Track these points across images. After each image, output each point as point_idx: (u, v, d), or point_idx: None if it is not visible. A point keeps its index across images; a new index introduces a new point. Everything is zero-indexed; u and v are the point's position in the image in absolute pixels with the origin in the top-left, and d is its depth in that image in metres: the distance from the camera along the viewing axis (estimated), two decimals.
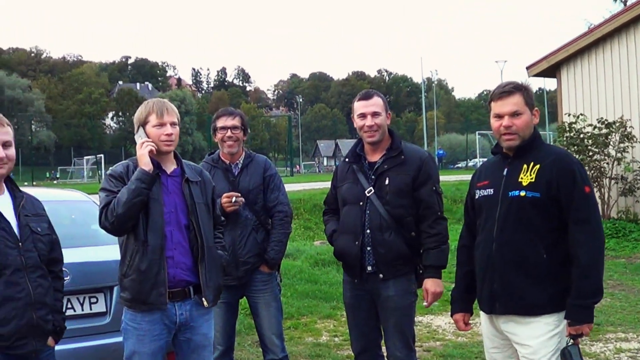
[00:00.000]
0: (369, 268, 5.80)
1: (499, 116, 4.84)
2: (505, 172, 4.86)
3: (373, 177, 5.85)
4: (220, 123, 6.57)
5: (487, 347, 5.12)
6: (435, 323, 10.14)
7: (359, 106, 5.91)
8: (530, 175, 4.71)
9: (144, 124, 5.11)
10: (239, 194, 6.39)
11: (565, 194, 4.63)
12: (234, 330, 6.82)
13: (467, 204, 5.29)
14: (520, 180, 4.74)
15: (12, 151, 4.58)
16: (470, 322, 5.33)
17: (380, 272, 5.77)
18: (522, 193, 4.70)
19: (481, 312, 5.06)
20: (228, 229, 6.35)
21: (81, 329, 6.28)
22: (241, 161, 6.64)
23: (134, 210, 4.88)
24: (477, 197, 5.04)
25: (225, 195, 6.34)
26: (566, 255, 4.64)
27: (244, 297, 6.71)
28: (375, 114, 5.83)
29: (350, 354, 8.55)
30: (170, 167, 5.22)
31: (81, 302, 6.47)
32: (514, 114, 4.78)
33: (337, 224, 6.11)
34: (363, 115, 5.85)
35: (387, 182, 5.77)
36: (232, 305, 6.66)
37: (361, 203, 5.83)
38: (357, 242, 5.80)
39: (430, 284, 5.71)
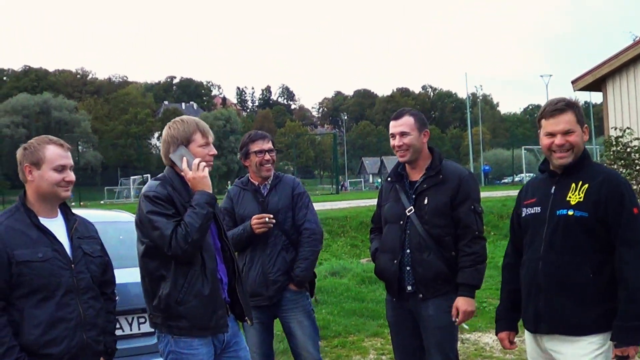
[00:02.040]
0: (409, 287, 5.82)
1: (551, 134, 4.80)
2: (553, 191, 4.82)
3: (413, 196, 5.86)
4: (257, 147, 6.58)
5: None
6: (483, 340, 10.10)
7: (390, 126, 6.01)
8: (579, 194, 4.67)
9: (187, 142, 5.01)
10: (271, 215, 6.42)
11: (613, 215, 4.58)
12: (272, 350, 6.83)
13: (513, 222, 5.26)
14: (568, 199, 4.70)
15: (73, 175, 4.70)
16: (516, 340, 5.29)
17: (419, 292, 5.78)
18: (570, 212, 4.66)
19: (526, 331, 5.03)
20: (258, 249, 6.44)
21: (130, 348, 6.34)
22: (269, 182, 6.68)
23: (204, 236, 4.84)
24: (523, 215, 5.00)
25: (255, 217, 6.38)
26: (613, 276, 4.59)
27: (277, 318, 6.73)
28: (403, 134, 5.87)
29: None
30: None
31: (130, 322, 6.54)
32: (567, 132, 4.74)
33: (380, 243, 6.13)
34: (393, 136, 5.94)
35: (426, 201, 5.79)
36: (268, 325, 6.68)
37: (401, 222, 5.85)
38: (395, 261, 5.82)
39: (461, 303, 5.67)
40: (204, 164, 4.93)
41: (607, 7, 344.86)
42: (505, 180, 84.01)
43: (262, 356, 6.59)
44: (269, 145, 6.61)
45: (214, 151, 5.07)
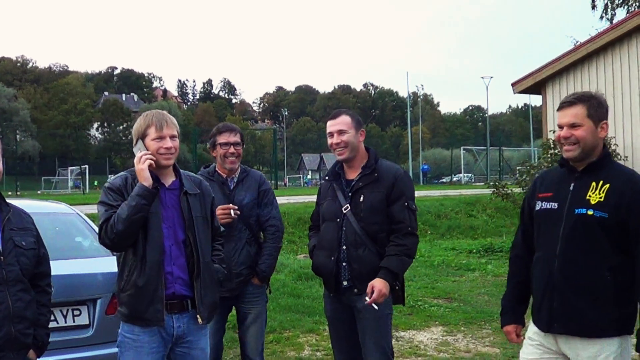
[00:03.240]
0: (345, 283, 5.89)
1: (560, 126, 4.77)
2: (572, 187, 4.74)
3: (350, 194, 5.93)
4: (223, 139, 6.67)
5: (528, 358, 4.97)
6: (417, 338, 10.17)
7: (328, 125, 6.07)
8: (599, 194, 4.59)
9: (143, 136, 5.03)
10: (236, 207, 6.48)
11: (634, 217, 4.50)
12: (222, 342, 6.88)
13: (524, 212, 5.16)
14: (588, 197, 4.61)
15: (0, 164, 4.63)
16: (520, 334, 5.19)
17: (355, 287, 5.85)
18: (590, 212, 4.57)
19: (530, 329, 4.97)
20: (223, 242, 6.42)
21: (64, 341, 6.30)
22: (237, 175, 6.75)
23: (134, 227, 4.82)
24: (537, 208, 4.90)
25: (220, 207, 6.38)
26: (631, 279, 4.52)
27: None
28: (341, 132, 5.94)
29: None
30: (169, 179, 5.16)
31: (64, 314, 6.49)
32: (572, 125, 4.69)
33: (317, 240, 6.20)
34: (331, 134, 6.00)
35: (361, 199, 5.86)
36: (223, 317, 6.76)
37: (338, 219, 5.92)
38: (332, 258, 5.90)
39: (377, 283, 5.63)
40: (145, 157, 4.92)
41: (549, 12, 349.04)
42: (444, 180, 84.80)
43: (214, 347, 6.57)
44: (235, 138, 6.69)
45: (169, 144, 5.01)
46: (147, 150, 4.99)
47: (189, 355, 5.16)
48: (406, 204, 5.85)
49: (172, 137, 5.05)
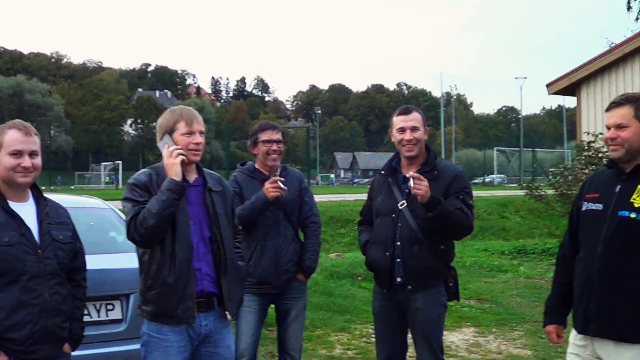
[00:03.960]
0: (398, 279, 5.87)
1: (607, 127, 4.71)
2: (617, 189, 4.66)
3: (407, 190, 5.87)
4: (266, 136, 6.66)
5: None
6: (449, 339, 10.13)
7: (398, 120, 6.00)
8: None
9: (171, 131, 5.00)
10: (283, 179, 6.50)
11: None
12: (259, 337, 6.87)
13: (572, 213, 5.11)
14: (632, 200, 4.54)
15: (38, 160, 4.63)
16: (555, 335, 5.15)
17: (409, 284, 5.84)
18: (632, 215, 4.49)
19: (572, 330, 4.91)
20: (270, 239, 6.55)
21: (97, 335, 6.32)
22: (278, 173, 6.73)
23: (165, 222, 4.78)
24: (584, 208, 4.86)
25: (269, 181, 6.45)
26: None
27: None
28: (414, 129, 5.91)
29: None
30: (192, 176, 5.14)
31: (98, 308, 6.53)
32: (619, 126, 4.62)
33: (370, 235, 6.18)
34: (402, 130, 5.93)
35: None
36: (265, 313, 6.77)
37: (393, 215, 5.90)
38: (387, 253, 5.87)
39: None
40: (177, 151, 4.90)
41: (584, 13, 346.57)
42: (476, 181, 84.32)
43: (253, 343, 6.62)
44: (277, 135, 6.69)
45: (199, 140, 5.01)
46: (176, 145, 4.96)
47: (215, 354, 5.13)
48: (461, 197, 5.85)
49: (201, 133, 5.05)
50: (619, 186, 4.66)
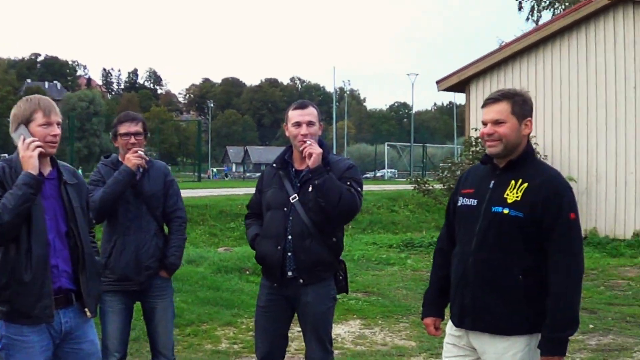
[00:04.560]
0: (290, 273, 5.87)
1: (484, 123, 4.74)
2: (491, 185, 4.74)
3: (298, 184, 5.91)
4: (123, 129, 6.48)
5: (448, 356, 4.99)
6: (335, 332, 10.15)
7: (294, 115, 5.95)
8: (517, 193, 4.57)
9: (27, 122, 4.79)
10: (142, 149, 6.42)
11: (549, 219, 4.51)
12: (129, 336, 6.74)
13: (449, 208, 5.17)
14: (505, 196, 4.62)
15: None
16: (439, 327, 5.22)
17: (300, 278, 5.85)
18: (505, 210, 4.57)
19: (449, 322, 4.98)
20: (131, 234, 6.37)
21: None
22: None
23: (21, 218, 4.60)
24: (459, 204, 4.91)
25: (130, 151, 6.35)
26: (544, 280, 4.53)
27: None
28: (310, 124, 5.89)
29: None
30: (47, 169, 4.95)
31: None
32: (496, 122, 4.65)
33: (260, 228, 6.12)
34: (298, 124, 5.89)
35: (310, 189, 5.82)
36: (130, 311, 6.62)
37: (285, 209, 5.89)
38: (279, 247, 5.85)
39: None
40: (35, 144, 4.72)
41: (479, 13, 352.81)
42: (367, 175, 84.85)
43: (121, 342, 6.50)
44: (136, 128, 6.49)
45: (56, 131, 4.83)
46: (33, 136, 4.77)
47: (80, 351, 5.01)
48: (349, 183, 5.85)
49: (58, 124, 4.88)
50: (492, 182, 4.74)
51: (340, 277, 6.03)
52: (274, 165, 6.13)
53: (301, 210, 5.84)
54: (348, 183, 5.85)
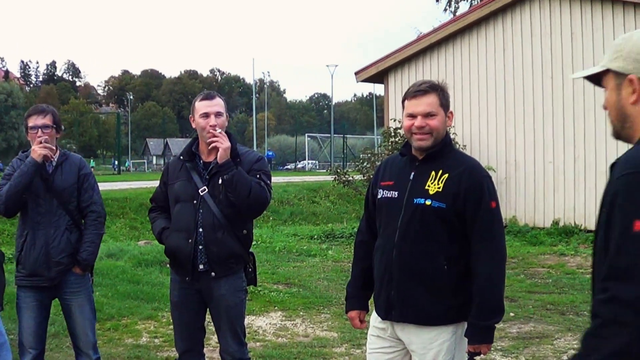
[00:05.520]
0: (201, 266, 5.82)
1: (412, 115, 4.64)
2: (411, 177, 4.70)
3: (207, 177, 5.86)
4: (31, 122, 6.33)
5: (373, 348, 4.96)
6: (256, 324, 10.20)
7: (202, 106, 5.88)
8: (438, 184, 4.55)
9: None
10: (47, 138, 6.27)
11: (470, 208, 4.53)
12: (46, 332, 6.65)
13: (368, 199, 5.13)
14: (427, 187, 4.59)
15: None
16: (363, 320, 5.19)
17: (212, 271, 5.81)
18: (428, 202, 4.55)
19: (373, 313, 4.96)
20: (41, 228, 6.25)
21: None
22: (55, 159, 6.45)
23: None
24: (379, 196, 4.84)
25: (35, 142, 6.21)
26: (468, 269, 4.56)
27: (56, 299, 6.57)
28: (218, 114, 5.83)
29: (170, 355, 8.54)
30: None
31: None
32: (428, 115, 4.60)
33: (167, 222, 6.06)
34: (206, 115, 5.82)
35: (220, 182, 5.78)
36: (45, 307, 6.51)
37: (195, 201, 5.82)
38: (190, 240, 5.78)
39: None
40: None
41: (397, 5, 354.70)
42: (289, 167, 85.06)
43: (36, 338, 6.38)
44: (43, 120, 6.34)
45: None
46: None
47: None
48: (259, 176, 5.83)
49: None
50: (412, 173, 4.71)
51: (250, 269, 6.02)
52: (181, 157, 6.06)
53: (211, 203, 5.79)
54: (257, 176, 5.83)
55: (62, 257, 6.31)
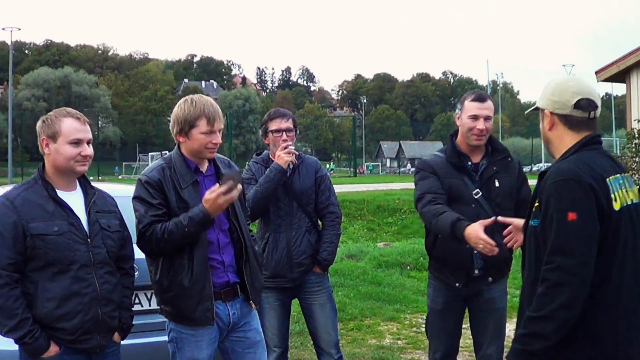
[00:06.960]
0: (476, 271, 5.69)
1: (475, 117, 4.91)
2: None
3: (478, 179, 5.75)
4: (274, 126, 6.41)
5: None
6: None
7: (472, 107, 5.75)
8: None
9: (189, 126, 4.76)
10: (290, 143, 6.33)
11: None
12: (288, 331, 6.74)
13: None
14: None
15: (92, 149, 4.62)
16: None
17: (489, 275, 5.71)
18: None
19: None
20: (282, 230, 6.33)
21: (148, 324, 6.27)
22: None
23: (181, 244, 4.69)
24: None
25: (279, 148, 6.27)
26: None
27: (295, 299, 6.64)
28: (487, 118, 5.74)
29: (414, 357, 8.50)
30: (205, 165, 4.99)
31: (148, 297, 6.48)
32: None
33: (455, 213, 5.46)
34: (475, 117, 5.71)
35: (497, 184, 5.70)
36: (287, 307, 6.59)
37: (473, 205, 5.65)
38: (468, 245, 5.37)
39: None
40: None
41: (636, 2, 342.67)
42: (524, 170, 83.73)
43: (280, 337, 6.50)
44: (287, 124, 6.41)
45: (218, 140, 4.81)
46: (192, 142, 4.79)
47: (246, 339, 5.07)
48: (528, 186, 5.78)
49: (220, 131, 4.86)
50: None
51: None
52: (448, 158, 5.82)
53: (487, 207, 5.62)
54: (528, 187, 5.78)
55: (303, 258, 6.35)
